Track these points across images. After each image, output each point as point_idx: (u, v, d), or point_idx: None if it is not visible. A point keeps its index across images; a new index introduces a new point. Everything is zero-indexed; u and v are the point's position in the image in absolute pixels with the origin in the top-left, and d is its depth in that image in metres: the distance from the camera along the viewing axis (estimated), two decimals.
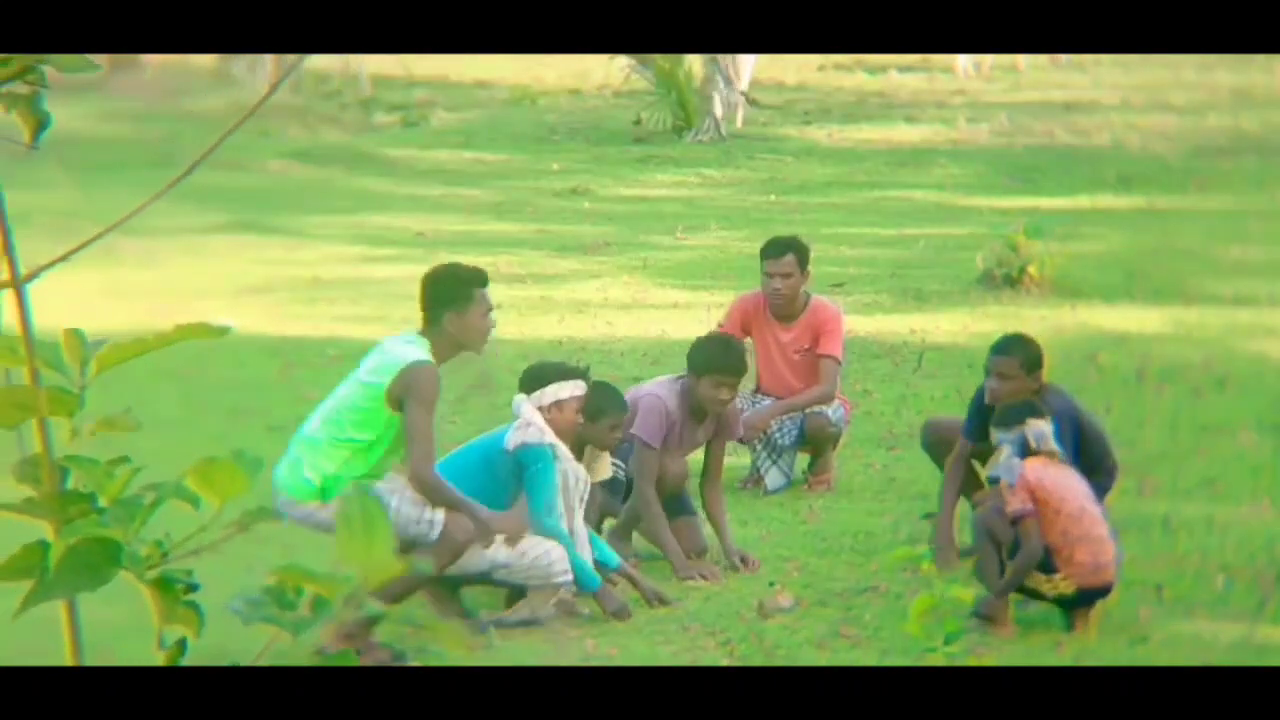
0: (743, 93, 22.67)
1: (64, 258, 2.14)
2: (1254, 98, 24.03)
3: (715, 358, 8.52)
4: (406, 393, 7.29)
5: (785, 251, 9.83)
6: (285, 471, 7.44)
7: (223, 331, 2.16)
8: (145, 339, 2.13)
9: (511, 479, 7.82)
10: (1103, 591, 7.55)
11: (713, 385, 8.49)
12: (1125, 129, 22.07)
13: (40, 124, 2.18)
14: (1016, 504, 7.52)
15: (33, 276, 2.05)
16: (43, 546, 2.02)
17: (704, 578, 8.29)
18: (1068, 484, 7.60)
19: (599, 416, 8.12)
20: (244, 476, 1.98)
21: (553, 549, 7.67)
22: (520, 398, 7.94)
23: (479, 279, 7.56)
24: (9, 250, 2.05)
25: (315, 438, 7.45)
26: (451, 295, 7.47)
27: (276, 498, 7.39)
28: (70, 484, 2.06)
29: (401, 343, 7.47)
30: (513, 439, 7.77)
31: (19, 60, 2.07)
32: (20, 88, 2.13)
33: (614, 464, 8.62)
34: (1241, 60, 25.94)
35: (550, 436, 7.80)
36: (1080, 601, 7.54)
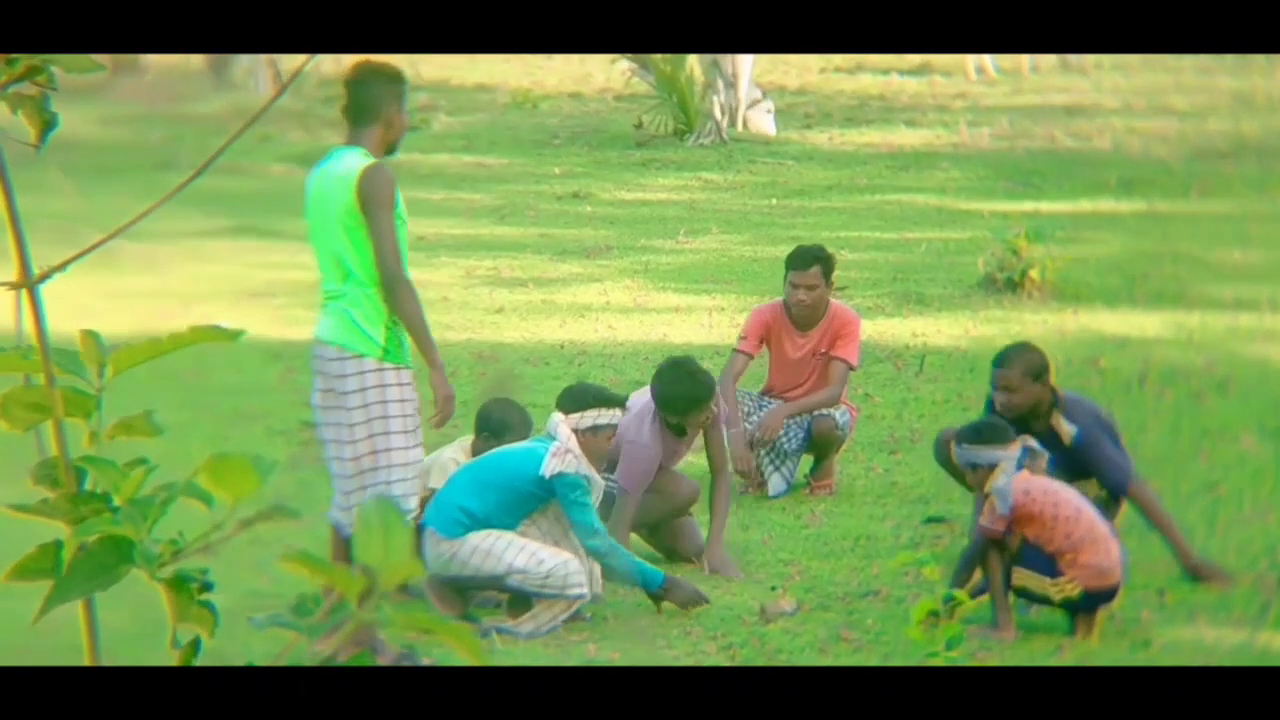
0: (760, 95, 22.67)
1: (76, 258, 2.14)
2: (1255, 101, 24.02)
3: (690, 394, 8.46)
4: (369, 199, 7.15)
5: (812, 263, 9.82)
6: (334, 324, 7.22)
7: (235, 335, 2.16)
8: (160, 341, 2.12)
9: (534, 498, 7.80)
10: (1109, 595, 7.54)
11: (699, 416, 8.49)
12: (1126, 133, 22.06)
13: (47, 125, 2.18)
14: (986, 521, 7.56)
15: (45, 277, 2.05)
16: (56, 546, 2.02)
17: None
18: (1056, 489, 7.61)
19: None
20: (256, 475, 1.98)
21: (571, 561, 7.64)
22: (558, 417, 7.90)
23: (402, 76, 7.46)
24: (21, 251, 2.05)
25: (340, 289, 7.24)
26: (389, 93, 7.35)
27: (322, 357, 7.22)
28: (88, 486, 2.06)
29: (345, 159, 7.31)
30: (551, 466, 7.69)
31: (26, 61, 2.07)
32: (28, 89, 2.13)
33: (606, 478, 8.64)
34: (1242, 63, 25.92)
35: (585, 465, 7.78)
36: (1086, 605, 7.53)
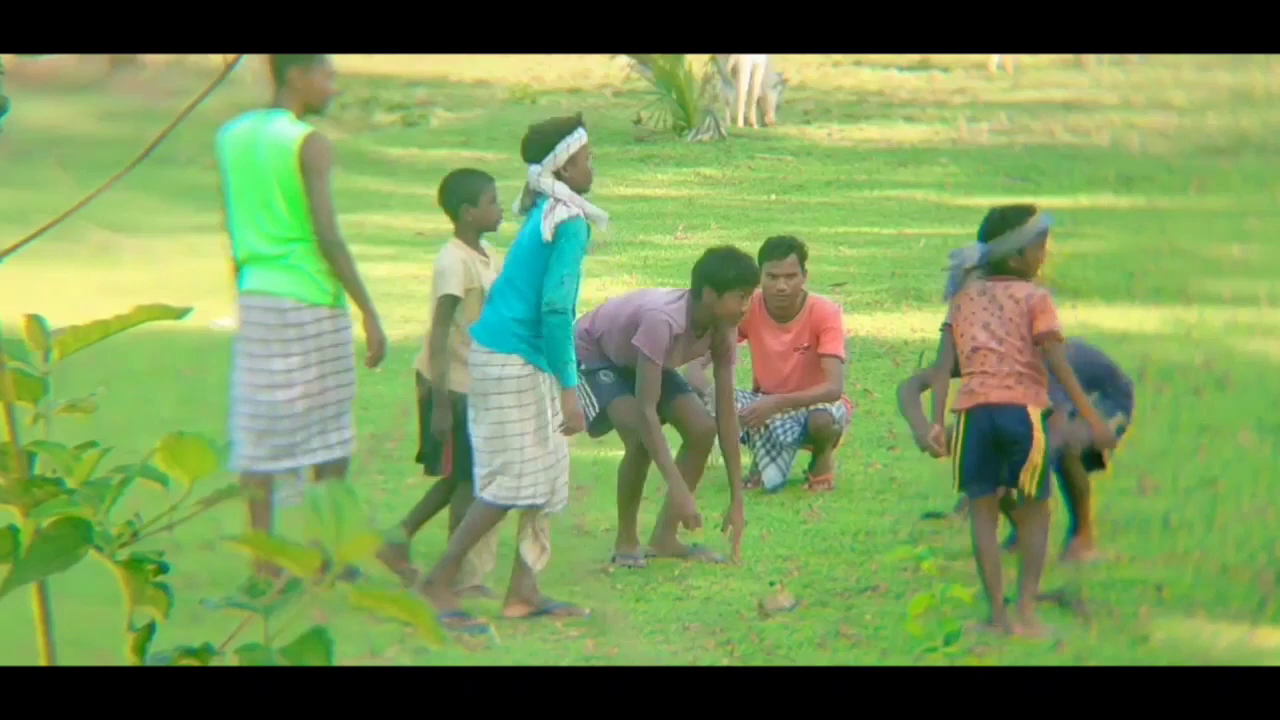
0: (780, 82, 22.70)
1: (25, 242, 2.13)
2: (1254, 97, 24.02)
3: (738, 272, 8.44)
4: (308, 167, 7.59)
5: (789, 252, 9.79)
6: (280, 276, 7.88)
7: (182, 313, 2.15)
8: (107, 322, 2.12)
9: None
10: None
11: (738, 299, 8.43)
12: (1125, 129, 22.06)
13: (0, 110, 2.20)
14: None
15: None
16: (12, 531, 2.01)
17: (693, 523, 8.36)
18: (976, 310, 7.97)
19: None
20: (213, 454, 1.97)
21: (526, 473, 7.56)
22: (535, 170, 7.60)
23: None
24: None
25: (270, 253, 7.92)
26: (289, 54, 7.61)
27: (259, 308, 7.94)
28: (38, 469, 2.05)
29: (273, 123, 7.66)
30: (548, 229, 7.44)
31: None
32: None
33: (587, 401, 8.54)
34: (1241, 60, 25.91)
35: (577, 205, 7.52)
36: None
